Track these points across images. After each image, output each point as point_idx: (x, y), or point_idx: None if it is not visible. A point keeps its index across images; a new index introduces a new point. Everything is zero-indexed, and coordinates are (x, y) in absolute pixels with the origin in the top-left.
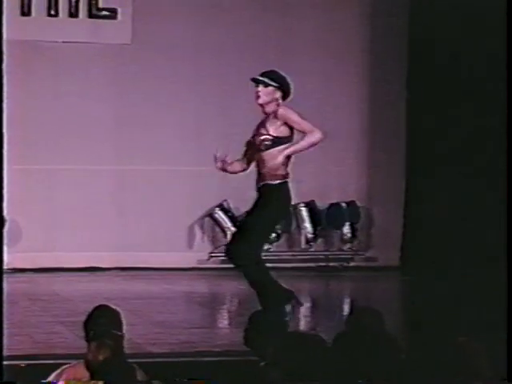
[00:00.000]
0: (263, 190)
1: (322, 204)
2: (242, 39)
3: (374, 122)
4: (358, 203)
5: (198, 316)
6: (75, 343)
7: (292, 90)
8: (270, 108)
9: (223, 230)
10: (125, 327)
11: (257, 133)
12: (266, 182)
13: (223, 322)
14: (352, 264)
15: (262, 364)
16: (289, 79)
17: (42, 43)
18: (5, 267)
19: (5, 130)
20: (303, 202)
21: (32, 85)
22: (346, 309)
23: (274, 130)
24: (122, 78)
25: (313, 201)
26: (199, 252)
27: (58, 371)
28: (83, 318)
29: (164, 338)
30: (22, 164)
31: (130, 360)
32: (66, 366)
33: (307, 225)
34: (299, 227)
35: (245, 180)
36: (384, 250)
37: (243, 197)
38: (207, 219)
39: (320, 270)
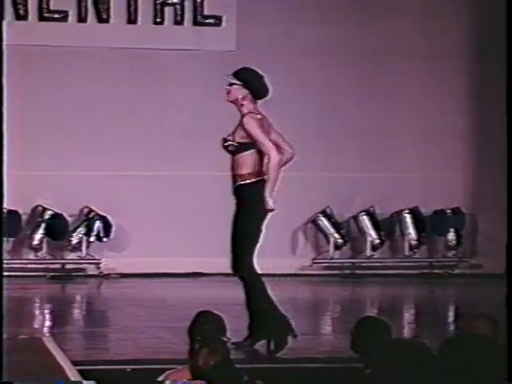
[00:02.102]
0: (237, 193)
1: (426, 210)
2: (347, 41)
3: (481, 126)
4: (463, 210)
5: (301, 322)
6: (180, 349)
7: (266, 89)
8: (240, 107)
9: (326, 237)
10: (229, 333)
11: (228, 135)
12: (239, 183)
13: (327, 328)
14: (456, 271)
15: (368, 371)
16: (262, 78)
17: (147, 51)
18: (112, 272)
19: (112, 139)
20: (407, 209)
21: (141, 93)
22: (451, 316)
23: (239, 136)
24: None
25: (417, 207)
26: (302, 258)
27: (163, 376)
28: (188, 323)
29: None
30: (132, 171)
31: (236, 365)
32: (170, 371)
33: (411, 231)
34: (403, 234)
35: (349, 186)
36: (489, 256)
37: (347, 203)
38: (310, 225)
39: (424, 277)
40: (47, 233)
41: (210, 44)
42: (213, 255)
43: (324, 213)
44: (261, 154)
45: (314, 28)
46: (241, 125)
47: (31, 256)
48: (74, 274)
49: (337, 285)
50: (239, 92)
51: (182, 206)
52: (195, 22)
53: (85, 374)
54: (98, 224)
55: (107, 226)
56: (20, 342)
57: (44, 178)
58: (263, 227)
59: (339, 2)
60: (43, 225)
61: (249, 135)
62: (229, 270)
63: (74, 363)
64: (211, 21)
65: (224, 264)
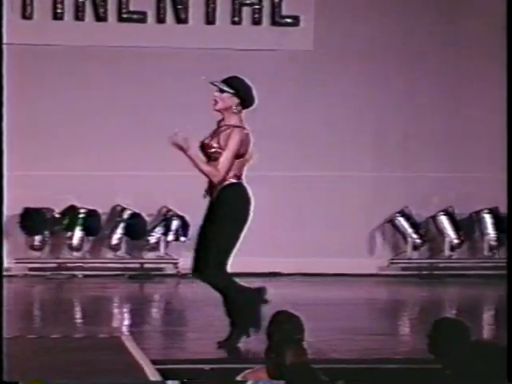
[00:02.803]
0: (218, 194)
1: (506, 210)
2: (426, 42)
3: None
4: None
5: (379, 323)
6: (258, 348)
7: (254, 99)
8: (228, 115)
9: (404, 237)
10: (306, 333)
11: (210, 140)
12: (221, 185)
13: (404, 329)
14: None
15: (448, 372)
16: (251, 88)
17: (224, 51)
18: (190, 272)
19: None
20: (487, 209)
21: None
22: None
23: (223, 143)
24: (305, 85)
25: (496, 207)
26: (379, 259)
27: (241, 375)
28: (265, 322)
29: (345, 344)
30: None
31: (313, 365)
32: (248, 370)
33: (490, 231)
34: (482, 234)
35: (427, 186)
36: None
37: (425, 203)
38: (388, 225)
39: (504, 278)
40: (126, 232)
41: (288, 44)
42: (290, 255)
43: (402, 213)
44: (241, 162)
45: (395, 28)
46: (225, 133)
47: (110, 255)
48: (153, 273)
49: (414, 285)
50: (230, 100)
51: (259, 206)
52: (273, 22)
53: (164, 373)
54: (176, 223)
55: (185, 226)
56: (99, 341)
57: (123, 178)
58: (241, 233)
59: (420, 2)
60: (122, 224)
61: (225, 145)
62: (306, 270)
63: (153, 362)
64: (289, 21)
65: (301, 264)
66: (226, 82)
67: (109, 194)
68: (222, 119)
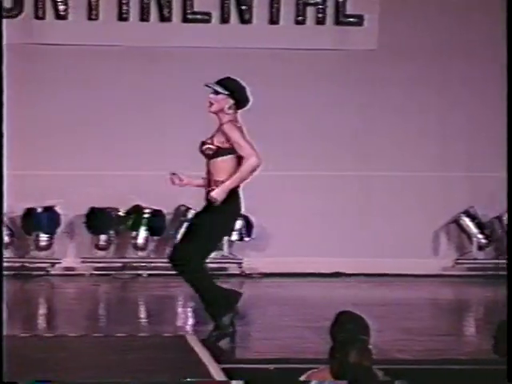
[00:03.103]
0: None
1: None
2: (490, 42)
3: None
4: None
5: (443, 323)
6: (322, 348)
7: (248, 100)
8: (222, 116)
9: (469, 237)
10: (371, 333)
11: (205, 141)
12: (213, 187)
13: (470, 329)
14: None
15: None
16: (245, 88)
17: (286, 51)
18: (254, 272)
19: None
20: None
21: (281, 93)
22: None
23: (218, 141)
24: (368, 85)
25: None
26: (444, 259)
27: (304, 376)
28: (329, 323)
29: (410, 344)
30: (273, 170)
31: (377, 366)
32: (312, 370)
33: None
34: None
35: (492, 186)
36: None
37: (491, 203)
38: (453, 226)
39: None
40: None
41: (351, 43)
42: (353, 255)
43: (467, 213)
44: (239, 161)
45: (459, 27)
46: (220, 131)
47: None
48: (216, 273)
49: (479, 286)
50: (225, 102)
51: (323, 206)
52: (337, 22)
53: (228, 373)
54: (239, 223)
55: (249, 226)
56: (164, 340)
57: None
58: (227, 234)
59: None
60: (186, 224)
61: (228, 140)
62: (369, 271)
63: (218, 361)
64: (353, 20)
65: (365, 264)
66: (220, 83)
67: (173, 194)
68: (218, 119)
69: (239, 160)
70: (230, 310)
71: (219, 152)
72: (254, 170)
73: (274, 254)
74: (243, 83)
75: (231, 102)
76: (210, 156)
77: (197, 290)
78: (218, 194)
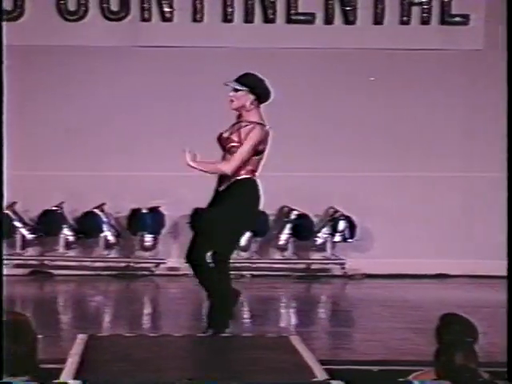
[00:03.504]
0: (229, 185)
1: None
2: None
3: None
4: None
5: None
6: (426, 350)
7: (270, 93)
8: (245, 112)
9: None
10: (477, 335)
11: (230, 134)
12: (235, 177)
13: None
14: None
15: None
16: (264, 81)
17: (392, 51)
18: (357, 273)
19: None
20: None
21: (387, 94)
22: None
23: (243, 138)
24: (473, 85)
25: None
26: None
27: (410, 377)
28: (434, 325)
29: None
30: (378, 171)
31: (483, 368)
32: (416, 373)
33: None
34: None
35: None
36: None
37: None
38: None
39: None
40: (293, 233)
41: (456, 43)
42: (457, 257)
43: None
44: (260, 159)
45: None
46: (245, 128)
47: (277, 256)
48: (319, 274)
49: None
50: (245, 98)
51: (426, 207)
52: (442, 22)
53: (331, 374)
54: (342, 224)
55: (352, 227)
56: (267, 340)
57: (290, 179)
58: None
59: None
60: (289, 225)
61: (243, 139)
62: (473, 272)
63: (321, 362)
64: (458, 19)
65: (469, 266)
66: (239, 80)
67: (276, 195)
68: (240, 115)
69: (259, 158)
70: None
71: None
72: (217, 173)
73: (377, 255)
74: (262, 77)
75: (252, 97)
76: (233, 153)
77: (204, 283)
78: (196, 164)
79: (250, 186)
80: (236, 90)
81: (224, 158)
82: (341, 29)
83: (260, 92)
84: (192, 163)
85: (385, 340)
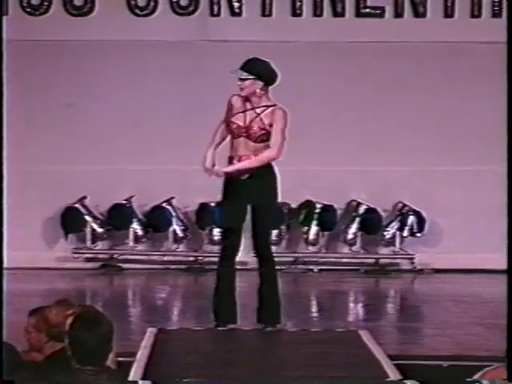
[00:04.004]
0: (260, 174)
1: None
2: None
3: None
4: None
5: None
6: (497, 346)
7: (276, 74)
8: (257, 98)
9: None
10: None
11: (250, 123)
12: (262, 167)
13: None
14: None
15: None
16: (269, 64)
17: (461, 45)
18: (426, 268)
19: None
20: None
21: (461, 87)
22: None
23: (268, 124)
24: None
25: None
26: None
27: (480, 373)
28: (505, 320)
29: None
30: (442, 165)
31: None
32: (487, 368)
33: None
34: None
35: None
36: None
37: None
38: None
39: None
40: (361, 227)
41: None
42: None
43: None
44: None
45: None
46: (265, 113)
47: (345, 250)
48: (388, 268)
49: None
50: (255, 85)
51: (496, 200)
52: None
53: (401, 369)
54: (411, 219)
55: (421, 221)
56: (336, 335)
57: (356, 173)
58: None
59: None
60: (358, 219)
61: (270, 125)
62: None
63: (390, 357)
64: None
65: None
66: (245, 68)
67: (344, 189)
68: (249, 100)
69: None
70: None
71: (267, 135)
72: (266, 162)
73: (447, 249)
74: (266, 60)
75: (261, 83)
76: (263, 140)
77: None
78: (228, 169)
79: (275, 174)
80: (243, 80)
81: (244, 147)
82: (410, 22)
83: (267, 78)
84: (227, 169)
85: (455, 335)
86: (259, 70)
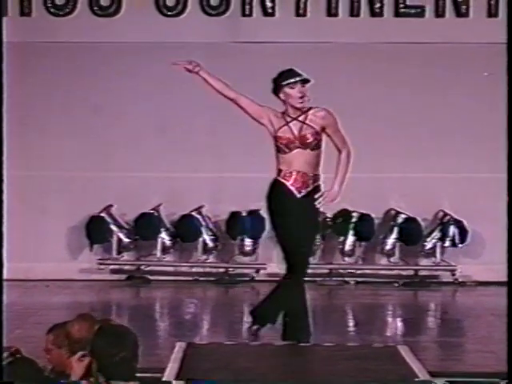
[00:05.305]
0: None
1: None
2: None
3: None
4: None
5: None
6: None
7: None
8: (305, 102)
9: None
10: None
11: (300, 132)
12: (318, 183)
13: None
14: None
15: None
16: None
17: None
18: (468, 280)
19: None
20: None
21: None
22: None
23: (318, 130)
24: None
25: None
26: None
27: None
28: None
29: None
30: (475, 172)
31: None
32: None
33: None
34: None
35: None
36: None
37: None
38: None
39: None
40: (400, 237)
41: None
42: None
43: None
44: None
45: None
46: (311, 117)
47: (383, 261)
48: (428, 280)
49: None
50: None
51: None
52: None
53: None
54: (452, 229)
55: (462, 231)
56: (374, 350)
57: (394, 181)
58: None
59: None
60: (396, 229)
61: (324, 128)
62: None
63: (431, 374)
64: None
65: None
66: (298, 74)
67: (382, 197)
68: (287, 113)
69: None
70: None
71: (321, 141)
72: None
73: (489, 260)
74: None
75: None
76: (319, 146)
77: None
78: (337, 193)
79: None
80: (306, 83)
81: (307, 159)
82: (452, 22)
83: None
84: (336, 194)
85: (498, 351)
86: (306, 77)
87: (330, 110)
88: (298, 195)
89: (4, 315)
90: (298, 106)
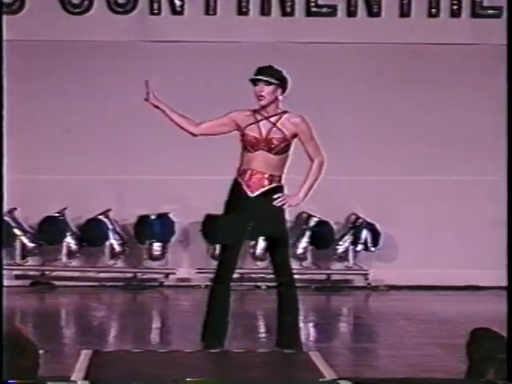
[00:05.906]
0: (271, 193)
1: None
2: None
3: None
4: None
5: None
6: (454, 367)
7: (289, 84)
8: (275, 107)
9: None
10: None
11: (268, 134)
12: (279, 184)
13: None
14: None
15: None
16: (284, 73)
17: (420, 46)
18: (381, 284)
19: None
20: None
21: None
22: None
23: (288, 134)
24: None
25: None
26: None
27: None
28: (462, 340)
29: None
30: (402, 175)
31: None
32: None
33: None
34: None
35: None
36: None
37: None
38: None
39: None
40: (312, 241)
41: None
42: (487, 267)
43: None
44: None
45: None
46: (282, 121)
47: (295, 266)
48: (341, 285)
49: None
50: (276, 92)
51: (455, 213)
52: (473, 15)
53: None
54: (365, 232)
55: (375, 235)
56: (286, 356)
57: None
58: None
59: None
60: (308, 233)
61: (294, 134)
62: (506, 283)
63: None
64: (491, 12)
65: (501, 276)
66: (266, 74)
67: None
68: (260, 111)
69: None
70: None
71: (288, 146)
72: (320, 174)
73: (403, 264)
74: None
75: (280, 90)
76: (285, 151)
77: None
78: (301, 200)
79: (283, 191)
80: (268, 84)
81: (268, 161)
82: (364, 21)
83: (286, 85)
84: (300, 199)
85: (410, 356)
86: (280, 76)
87: (305, 117)
88: (251, 194)
89: None
90: (258, 104)
